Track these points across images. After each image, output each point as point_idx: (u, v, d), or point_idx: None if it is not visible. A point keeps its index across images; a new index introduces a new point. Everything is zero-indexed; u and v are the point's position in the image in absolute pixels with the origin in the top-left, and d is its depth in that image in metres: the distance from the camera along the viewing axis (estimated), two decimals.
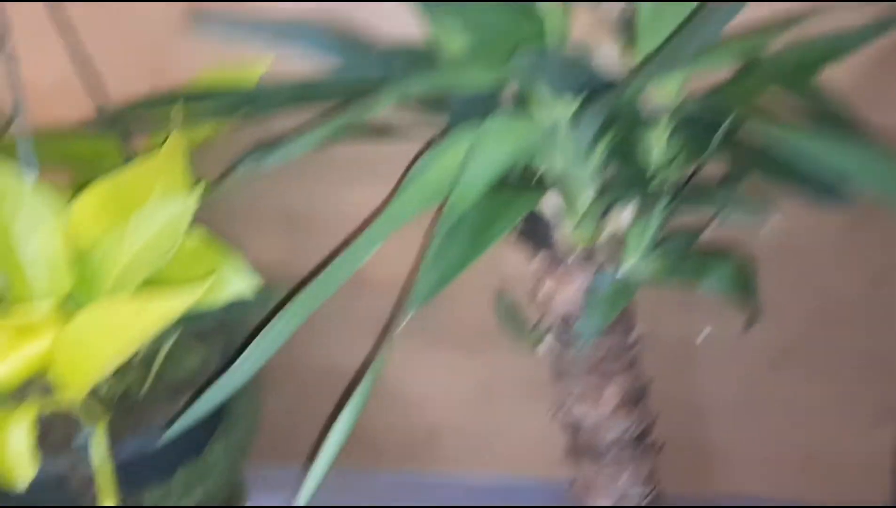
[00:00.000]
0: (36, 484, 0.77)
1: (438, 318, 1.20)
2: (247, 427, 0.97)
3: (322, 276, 0.73)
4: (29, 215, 0.71)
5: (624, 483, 1.01)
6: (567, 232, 0.89)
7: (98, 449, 0.76)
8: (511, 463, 1.26)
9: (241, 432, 0.96)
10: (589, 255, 0.89)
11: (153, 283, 0.73)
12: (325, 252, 1.06)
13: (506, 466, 1.26)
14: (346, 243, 0.76)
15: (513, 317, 0.97)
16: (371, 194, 1.05)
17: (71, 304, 0.72)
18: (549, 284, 0.91)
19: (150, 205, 0.73)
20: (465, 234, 0.78)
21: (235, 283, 0.73)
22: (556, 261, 0.90)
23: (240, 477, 1.03)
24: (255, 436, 0.99)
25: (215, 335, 0.92)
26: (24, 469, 0.75)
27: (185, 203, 0.74)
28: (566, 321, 0.91)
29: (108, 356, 0.67)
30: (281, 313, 0.71)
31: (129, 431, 0.81)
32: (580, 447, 1.00)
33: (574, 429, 0.99)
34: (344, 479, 1.30)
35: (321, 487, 1.30)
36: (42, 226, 0.71)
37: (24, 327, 0.67)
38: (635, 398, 0.96)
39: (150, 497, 0.84)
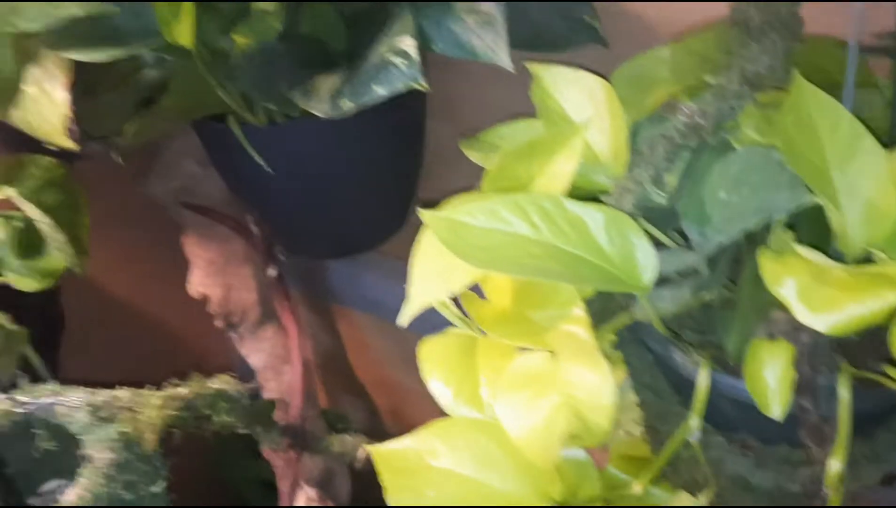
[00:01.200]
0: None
1: None
2: None
3: None
4: (845, 140, 0.66)
5: None
6: None
7: (845, 395, 0.67)
8: None
9: None
10: None
11: None
12: None
13: None
14: None
15: None
16: None
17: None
18: None
19: None
20: None
21: None
22: None
23: None
24: None
25: None
26: (777, 401, 0.68)
27: None
28: None
29: None
30: None
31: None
32: None
33: None
34: None
35: None
36: (861, 156, 0.65)
37: (875, 274, 0.62)
38: None
39: (857, 450, 0.75)
